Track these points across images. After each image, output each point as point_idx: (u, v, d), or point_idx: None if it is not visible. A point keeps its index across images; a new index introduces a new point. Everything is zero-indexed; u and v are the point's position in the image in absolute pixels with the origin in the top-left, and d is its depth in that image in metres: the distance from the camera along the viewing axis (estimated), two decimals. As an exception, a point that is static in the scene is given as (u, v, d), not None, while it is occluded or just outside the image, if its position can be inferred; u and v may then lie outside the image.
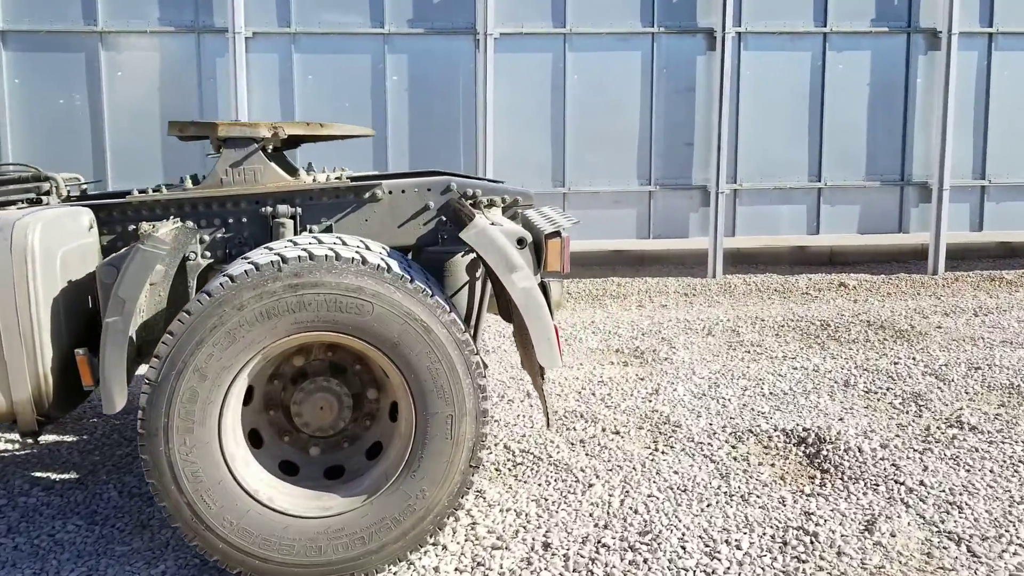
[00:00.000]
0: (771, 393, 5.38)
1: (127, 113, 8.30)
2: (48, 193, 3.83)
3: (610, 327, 7.24)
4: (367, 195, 3.75)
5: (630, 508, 3.80)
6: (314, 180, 3.79)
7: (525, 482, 4.10)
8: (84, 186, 4.20)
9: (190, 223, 3.63)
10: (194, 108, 8.38)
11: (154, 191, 3.70)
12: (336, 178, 4.06)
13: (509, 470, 4.24)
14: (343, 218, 3.76)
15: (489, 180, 4.45)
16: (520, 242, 3.18)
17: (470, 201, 3.77)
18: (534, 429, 4.78)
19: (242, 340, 2.98)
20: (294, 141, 4.21)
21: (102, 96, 8.27)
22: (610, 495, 3.94)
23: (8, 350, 2.92)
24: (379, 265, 3.05)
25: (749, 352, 6.41)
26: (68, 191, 4.05)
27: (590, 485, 4.04)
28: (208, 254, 3.68)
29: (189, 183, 3.74)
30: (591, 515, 3.75)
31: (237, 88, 8.22)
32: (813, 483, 4.05)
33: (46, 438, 4.70)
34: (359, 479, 3.26)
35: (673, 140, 9.04)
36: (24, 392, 2.97)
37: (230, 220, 3.69)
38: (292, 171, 4.42)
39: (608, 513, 3.76)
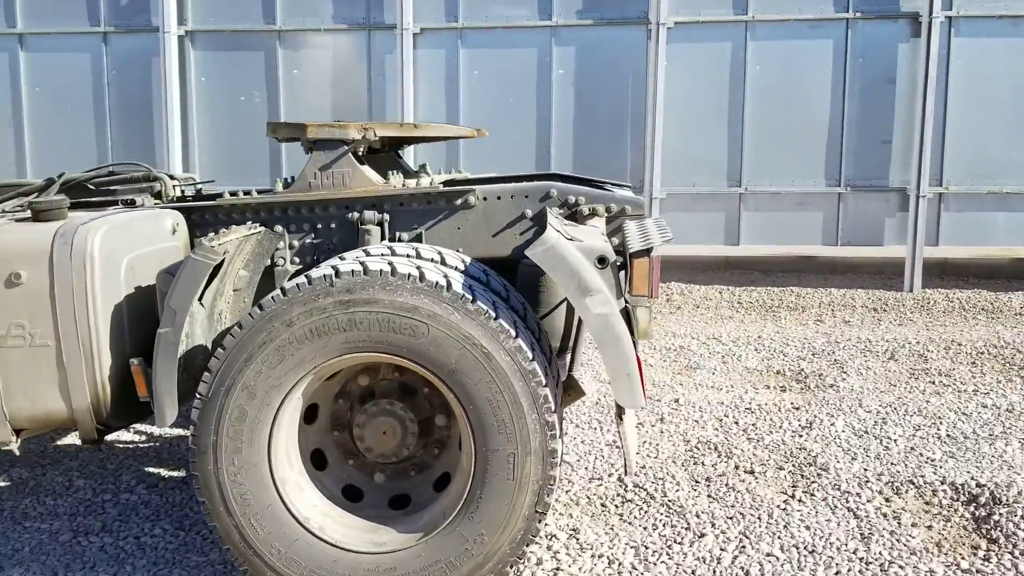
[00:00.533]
0: (948, 436, 4.61)
1: (302, 111, 8.49)
2: (159, 194, 3.83)
3: (777, 344, 6.58)
4: (459, 201, 3.46)
5: (741, 568, 3.30)
6: (403, 184, 3.55)
7: (629, 523, 3.68)
8: (199, 186, 4.19)
9: (279, 228, 3.50)
10: (363, 106, 8.46)
11: (245, 194, 3.60)
12: (442, 183, 3.81)
13: (616, 507, 3.83)
14: (435, 225, 3.50)
15: (612, 184, 4.06)
16: (601, 261, 2.78)
17: (570, 210, 3.41)
18: (656, 460, 4.33)
19: (291, 358, 2.78)
20: (396, 143, 4.00)
21: (279, 94, 8.52)
22: (722, 549, 3.45)
23: (68, 357, 2.88)
24: (437, 283, 2.76)
25: (934, 383, 5.59)
26: (183, 191, 4.06)
27: (702, 535, 3.56)
28: (297, 260, 3.54)
29: (279, 186, 3.61)
30: (694, 572, 3.28)
31: (403, 85, 8.21)
32: (975, 555, 3.36)
33: (171, 431, 4.78)
34: (418, 514, 2.99)
35: (868, 137, 8.16)
36: (83, 400, 2.92)
37: (319, 225, 3.52)
38: (405, 174, 4.22)
39: (714, 572, 3.28)
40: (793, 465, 4.24)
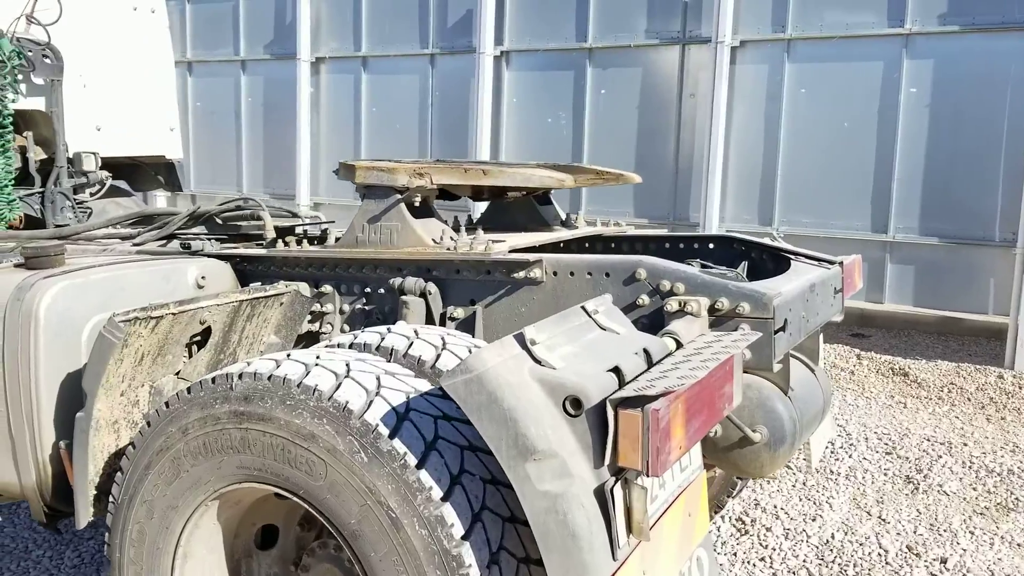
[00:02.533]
0: None
1: (606, 134, 7.82)
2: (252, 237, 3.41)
3: None
4: (521, 274, 2.57)
5: None
6: (455, 247, 2.71)
7: None
8: (325, 226, 3.72)
9: (327, 287, 2.91)
10: (671, 127, 7.54)
11: (297, 244, 3.05)
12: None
13: None
14: (494, 302, 2.64)
15: (813, 260, 2.88)
16: (575, 405, 1.74)
17: (662, 300, 2.35)
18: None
19: (187, 475, 2.14)
20: (496, 192, 3.17)
21: (584, 115, 7.91)
22: None
23: (15, 427, 2.53)
24: (346, 404, 1.93)
25: None
26: (304, 231, 3.62)
27: None
28: (347, 327, 2.91)
29: (332, 239, 3.00)
30: None
31: (715, 103, 7.14)
32: None
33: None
34: None
35: None
36: (29, 477, 2.55)
37: (368, 289, 2.86)
38: (547, 223, 3.41)
39: None
40: None
